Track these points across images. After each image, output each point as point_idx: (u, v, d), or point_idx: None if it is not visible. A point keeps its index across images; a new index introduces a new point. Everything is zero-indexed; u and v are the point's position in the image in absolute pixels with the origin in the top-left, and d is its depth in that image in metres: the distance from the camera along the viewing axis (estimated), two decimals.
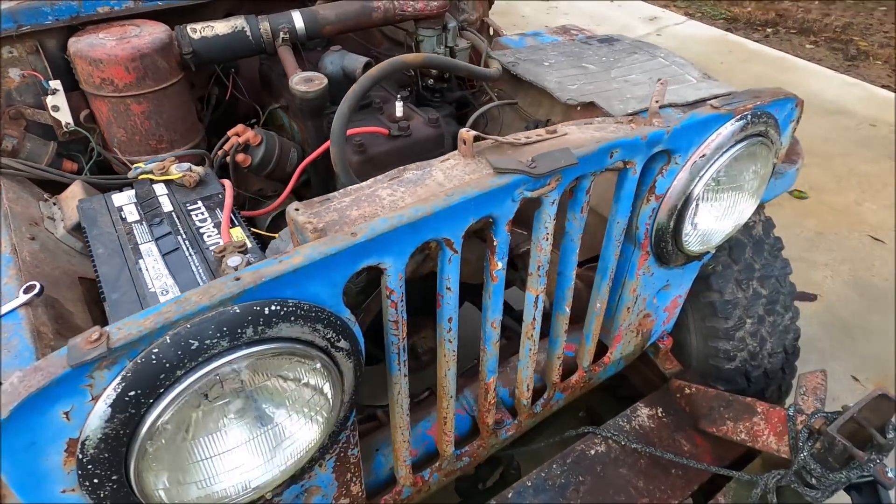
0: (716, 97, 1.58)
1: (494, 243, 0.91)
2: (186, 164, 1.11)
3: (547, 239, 0.98)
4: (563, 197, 0.95)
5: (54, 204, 1.26)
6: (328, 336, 0.74)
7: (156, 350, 0.61)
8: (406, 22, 1.65)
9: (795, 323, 1.58)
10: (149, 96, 1.37)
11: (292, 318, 0.69)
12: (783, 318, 1.55)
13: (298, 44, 1.50)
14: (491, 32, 2.07)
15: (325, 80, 1.32)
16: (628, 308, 1.28)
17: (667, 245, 1.16)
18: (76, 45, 1.32)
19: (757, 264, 1.52)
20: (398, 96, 1.46)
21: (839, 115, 4.19)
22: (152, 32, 1.37)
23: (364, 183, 0.91)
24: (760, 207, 1.58)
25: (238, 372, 0.66)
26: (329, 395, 0.78)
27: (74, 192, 1.26)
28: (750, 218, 1.54)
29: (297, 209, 0.79)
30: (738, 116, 1.06)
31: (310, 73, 1.34)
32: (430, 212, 0.77)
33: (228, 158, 1.44)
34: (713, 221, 1.16)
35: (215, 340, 0.64)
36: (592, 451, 1.26)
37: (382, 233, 0.74)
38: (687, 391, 1.37)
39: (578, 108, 1.53)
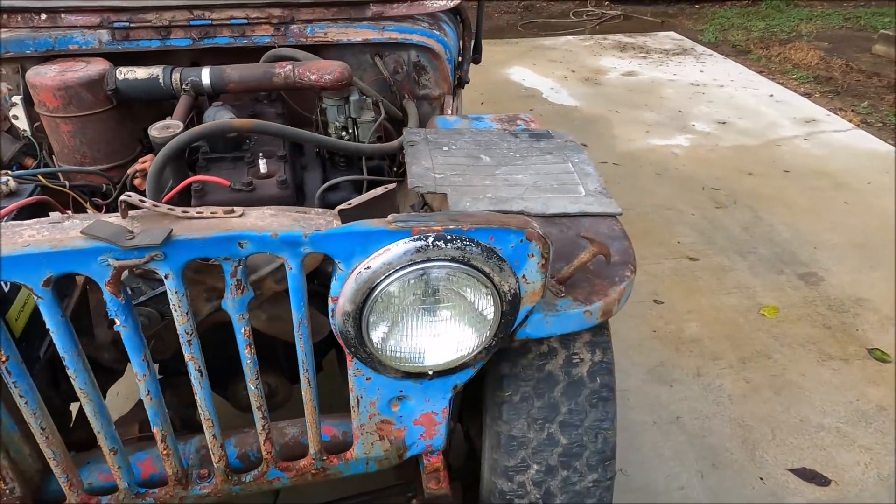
0: (584, 214, 1.47)
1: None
2: (6, 178, 1.35)
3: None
4: None
5: None
6: None
7: None
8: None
9: (606, 491, 1.35)
10: (73, 119, 1.67)
11: None
12: (584, 479, 1.33)
13: (205, 95, 1.71)
14: (449, 111, 2.09)
15: (180, 128, 1.49)
16: (353, 407, 1.23)
17: (357, 351, 1.11)
18: (29, 71, 1.67)
19: (564, 407, 1.34)
20: (260, 154, 1.58)
21: None
22: (88, 69, 1.67)
23: (29, 221, 1.04)
24: (598, 349, 1.39)
25: None
26: None
27: None
28: (577, 354, 1.37)
29: None
30: (417, 236, 1.00)
31: (171, 121, 1.52)
32: None
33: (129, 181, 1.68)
34: (404, 341, 1.08)
35: None
36: None
37: None
38: None
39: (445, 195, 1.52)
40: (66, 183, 1.69)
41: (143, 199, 1.02)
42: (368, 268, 1.01)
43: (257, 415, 1.20)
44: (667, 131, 4.92)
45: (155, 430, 1.15)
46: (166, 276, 0.97)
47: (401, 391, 1.23)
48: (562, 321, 1.20)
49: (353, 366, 1.17)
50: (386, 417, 1.27)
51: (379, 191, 1.09)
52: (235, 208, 1.06)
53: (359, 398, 1.22)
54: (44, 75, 1.63)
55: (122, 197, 1.01)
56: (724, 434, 2.43)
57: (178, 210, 1.03)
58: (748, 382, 2.67)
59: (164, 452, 1.18)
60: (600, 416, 1.36)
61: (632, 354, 2.82)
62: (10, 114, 1.75)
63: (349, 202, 1.05)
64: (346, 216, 1.03)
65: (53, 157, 1.77)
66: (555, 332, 1.22)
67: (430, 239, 1.00)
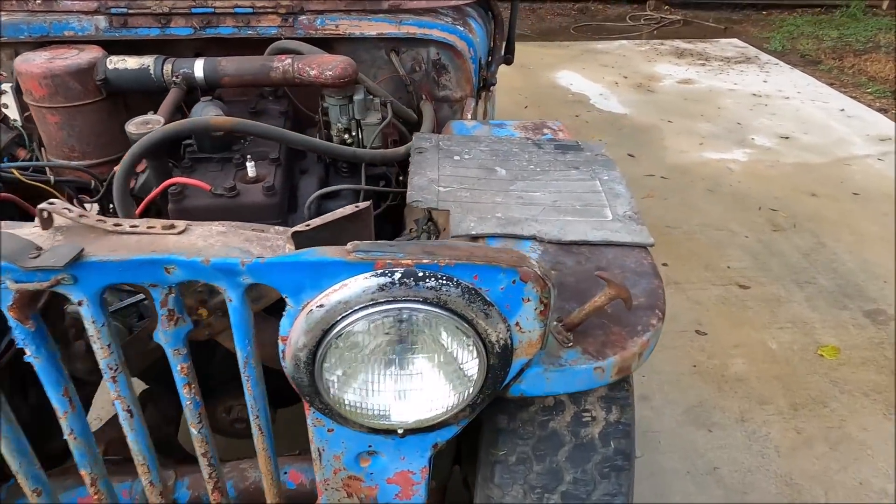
0: (608, 243, 1.25)
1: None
2: None
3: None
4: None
5: None
6: None
7: None
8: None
9: None
10: (60, 110, 1.55)
11: None
12: None
13: (198, 88, 1.56)
14: (469, 116, 1.90)
15: (160, 124, 1.35)
16: (315, 459, 1.06)
17: (313, 400, 0.93)
18: (18, 57, 1.56)
19: (568, 475, 1.13)
20: (249, 156, 1.42)
21: None
22: (78, 57, 1.55)
23: None
24: (615, 407, 1.16)
25: None
26: None
27: None
28: (588, 412, 1.16)
29: None
30: (381, 271, 0.81)
31: (151, 116, 1.38)
32: None
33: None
34: (366, 395, 0.89)
35: None
36: None
37: None
38: None
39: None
40: (52, 178, 1.59)
41: (70, 207, 0.87)
42: (321, 306, 0.83)
43: (202, 461, 1.03)
44: (723, 144, 4.57)
45: (83, 472, 1.00)
46: (80, 303, 0.82)
47: (370, 446, 1.04)
48: (566, 378, 0.99)
49: (311, 415, 0.99)
50: (354, 473, 1.08)
51: (348, 209, 0.91)
52: (178, 223, 0.89)
53: (320, 451, 1.04)
54: (31, 62, 1.52)
55: (43, 204, 0.86)
56: (768, 493, 2.15)
57: (110, 223, 0.88)
58: (799, 433, 2.37)
59: (96, 498, 1.02)
60: (612, 489, 1.13)
61: (667, 390, 2.55)
62: (1, 102, 1.65)
63: (307, 223, 0.87)
64: (301, 240, 0.85)
65: (43, 149, 1.67)
66: (556, 390, 1.01)
67: (397, 275, 0.81)
